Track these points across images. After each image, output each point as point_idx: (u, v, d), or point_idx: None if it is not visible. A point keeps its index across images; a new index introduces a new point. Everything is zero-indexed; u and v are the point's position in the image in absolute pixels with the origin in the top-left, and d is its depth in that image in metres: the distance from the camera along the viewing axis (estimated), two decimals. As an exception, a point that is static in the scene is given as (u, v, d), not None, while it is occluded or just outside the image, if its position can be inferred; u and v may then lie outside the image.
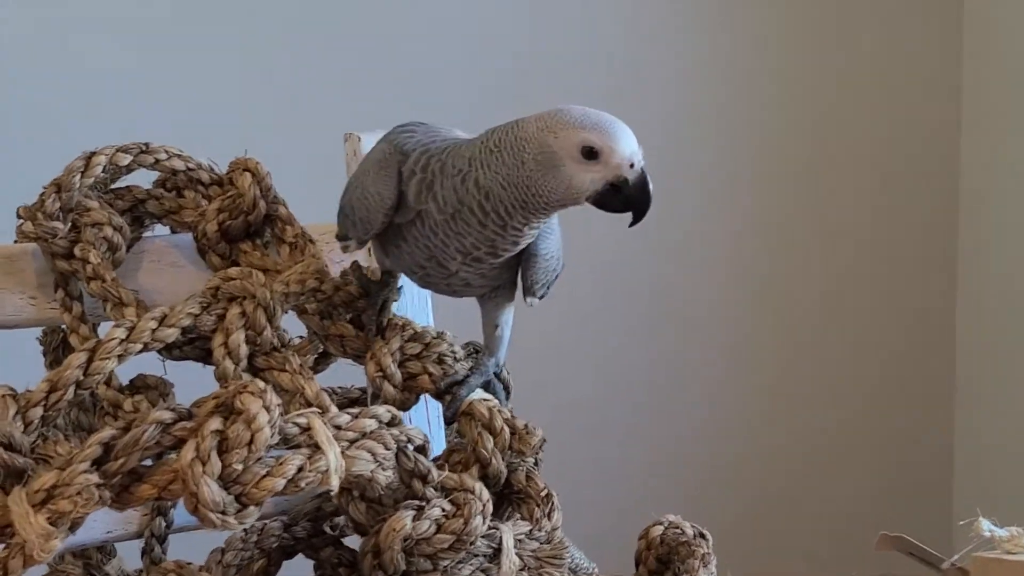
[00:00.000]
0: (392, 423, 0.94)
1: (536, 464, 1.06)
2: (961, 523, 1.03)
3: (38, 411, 0.96)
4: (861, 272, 2.46)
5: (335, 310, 1.14)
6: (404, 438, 0.94)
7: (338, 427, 0.91)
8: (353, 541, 1.10)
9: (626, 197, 1.00)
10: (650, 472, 2.33)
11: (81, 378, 0.98)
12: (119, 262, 1.18)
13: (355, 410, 0.93)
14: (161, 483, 0.87)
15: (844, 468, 2.49)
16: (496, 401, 1.07)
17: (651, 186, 1.00)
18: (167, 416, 0.88)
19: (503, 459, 1.03)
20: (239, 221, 1.18)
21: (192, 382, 1.17)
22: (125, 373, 1.12)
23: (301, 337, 1.17)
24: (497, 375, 1.13)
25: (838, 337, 2.47)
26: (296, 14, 2.06)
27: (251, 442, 0.86)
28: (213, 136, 1.56)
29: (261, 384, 0.89)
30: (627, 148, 0.98)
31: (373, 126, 1.29)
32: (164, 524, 1.14)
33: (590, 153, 0.98)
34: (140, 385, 1.19)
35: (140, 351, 1.01)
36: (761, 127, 2.36)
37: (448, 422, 1.07)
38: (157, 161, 1.19)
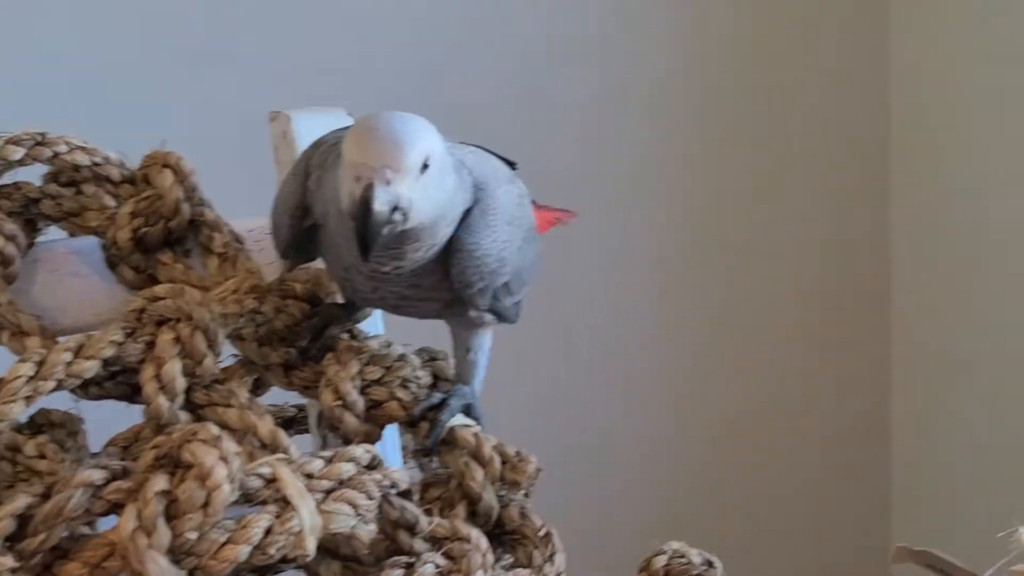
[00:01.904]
0: (372, 466, 0.78)
1: (527, 497, 0.92)
2: (999, 535, 0.93)
3: (-74, 473, 0.77)
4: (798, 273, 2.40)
5: (274, 335, 0.97)
6: (388, 483, 0.78)
7: (309, 475, 0.75)
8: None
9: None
10: (614, 486, 2.24)
11: (-20, 428, 0.80)
12: (13, 277, 0.99)
13: (328, 453, 0.78)
14: (94, 560, 0.71)
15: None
16: (479, 427, 0.92)
17: (369, 218, 0.77)
18: (97, 476, 0.72)
19: (494, 493, 0.89)
20: (158, 228, 1.00)
21: (103, 415, 1.00)
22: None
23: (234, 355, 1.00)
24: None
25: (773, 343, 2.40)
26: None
27: (207, 503, 0.70)
28: (109, 118, 1.36)
29: (213, 429, 0.73)
30: (356, 155, 0.79)
31: (305, 101, 1.13)
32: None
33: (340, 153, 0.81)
34: (42, 422, 1.01)
35: (53, 390, 0.83)
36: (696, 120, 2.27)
37: (427, 453, 0.92)
38: (56, 155, 1.00)
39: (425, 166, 0.81)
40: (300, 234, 0.92)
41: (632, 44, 2.17)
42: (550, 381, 2.16)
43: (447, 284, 0.88)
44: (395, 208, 0.79)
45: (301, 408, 1.22)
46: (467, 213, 0.87)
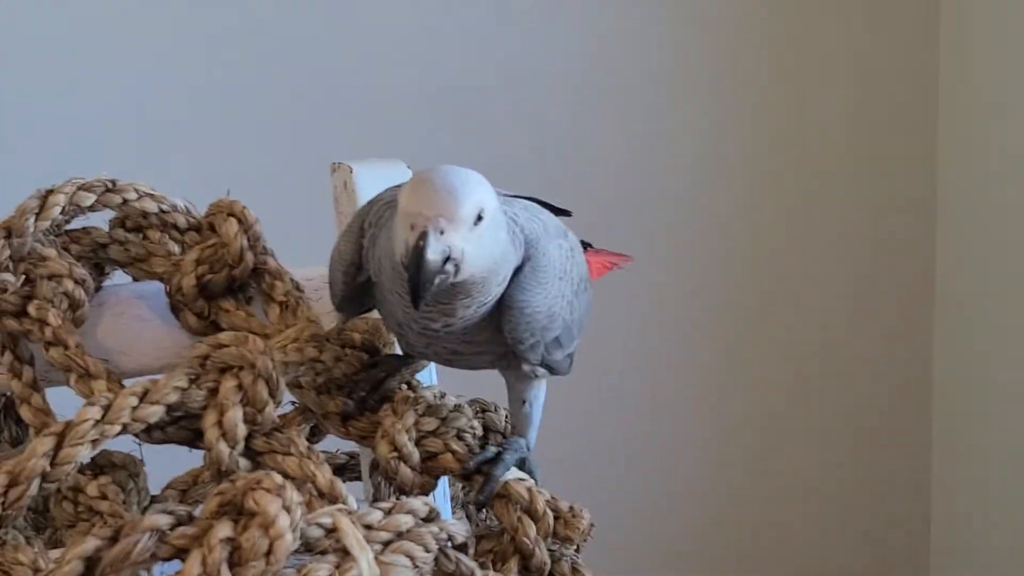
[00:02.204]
0: (430, 518, 0.79)
1: (578, 551, 0.92)
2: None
3: (-5, 511, 0.79)
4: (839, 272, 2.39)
5: (332, 384, 0.98)
6: (444, 536, 0.79)
7: (369, 526, 0.77)
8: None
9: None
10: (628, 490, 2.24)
11: (48, 469, 0.82)
12: (81, 321, 1.01)
13: (386, 504, 0.79)
14: (158, 604, 0.72)
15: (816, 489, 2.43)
16: (533, 481, 0.93)
17: (423, 265, 0.79)
18: (164, 521, 0.73)
19: (546, 548, 0.89)
20: (222, 275, 1.02)
21: (160, 457, 1.02)
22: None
23: (292, 403, 1.02)
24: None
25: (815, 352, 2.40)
26: (279, 31, 1.89)
27: (270, 552, 0.71)
28: (176, 167, 1.40)
29: (277, 478, 0.74)
30: (411, 205, 0.80)
31: (366, 154, 1.15)
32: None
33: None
34: (104, 464, 1.03)
35: (118, 433, 0.84)
36: (742, 124, 2.27)
37: (480, 506, 0.93)
38: (126, 201, 1.02)
39: (479, 218, 0.82)
40: (354, 290, 0.94)
41: (673, 84, 2.21)
42: (586, 414, 2.17)
43: (499, 339, 0.89)
44: (448, 258, 0.81)
45: (352, 456, 1.24)
46: (518, 270, 0.89)
